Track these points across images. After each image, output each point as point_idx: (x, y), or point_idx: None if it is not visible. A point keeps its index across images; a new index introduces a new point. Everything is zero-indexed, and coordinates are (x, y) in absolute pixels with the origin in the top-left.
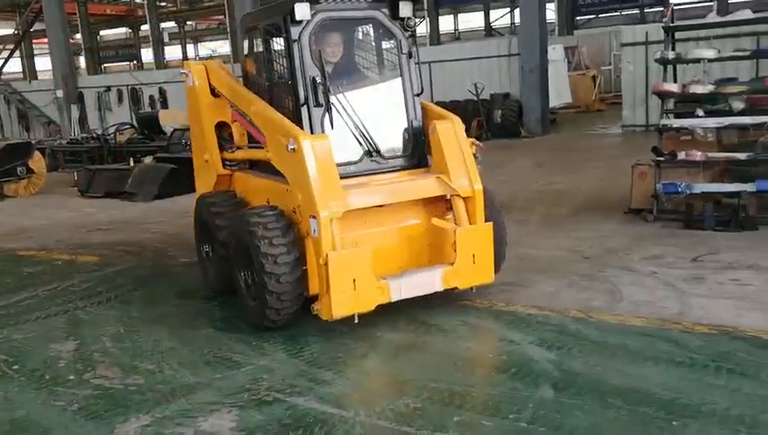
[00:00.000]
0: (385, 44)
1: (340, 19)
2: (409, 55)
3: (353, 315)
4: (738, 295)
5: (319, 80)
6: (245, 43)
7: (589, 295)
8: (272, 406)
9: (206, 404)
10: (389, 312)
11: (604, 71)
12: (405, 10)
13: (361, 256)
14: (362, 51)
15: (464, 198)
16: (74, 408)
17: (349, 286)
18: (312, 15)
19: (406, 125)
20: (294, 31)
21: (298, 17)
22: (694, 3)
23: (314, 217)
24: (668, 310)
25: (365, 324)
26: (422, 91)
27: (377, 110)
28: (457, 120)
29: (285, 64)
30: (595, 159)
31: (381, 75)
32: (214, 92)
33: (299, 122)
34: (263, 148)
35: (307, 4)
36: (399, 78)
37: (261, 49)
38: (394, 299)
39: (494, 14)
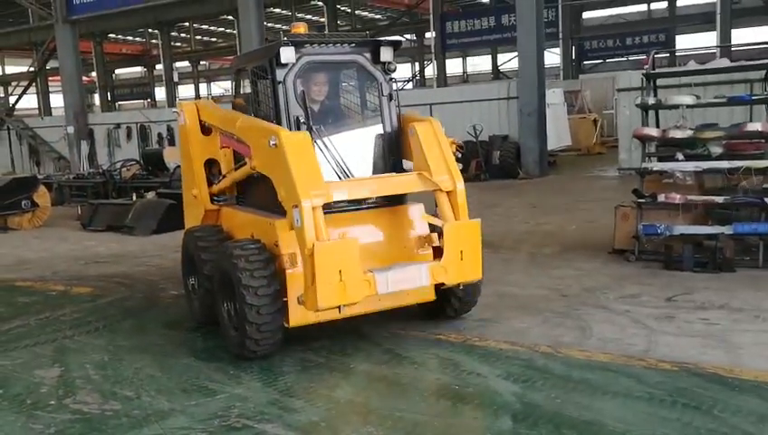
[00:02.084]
0: (367, 87)
1: (324, 62)
2: (390, 98)
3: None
4: (704, 334)
5: (302, 120)
6: (234, 85)
7: (560, 332)
8: (240, 432)
9: (178, 429)
10: (365, 343)
11: (606, 114)
12: (386, 54)
13: (348, 248)
14: (345, 92)
15: (447, 194)
16: (51, 431)
17: (335, 277)
18: (297, 59)
19: (386, 163)
20: (280, 73)
21: (283, 60)
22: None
23: (296, 207)
24: (635, 347)
25: (340, 356)
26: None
27: (358, 148)
28: (436, 122)
29: (271, 105)
30: (588, 200)
31: (363, 116)
32: (204, 131)
33: None
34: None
35: (292, 48)
36: (380, 118)
37: (249, 90)
38: (381, 292)
39: (501, 57)
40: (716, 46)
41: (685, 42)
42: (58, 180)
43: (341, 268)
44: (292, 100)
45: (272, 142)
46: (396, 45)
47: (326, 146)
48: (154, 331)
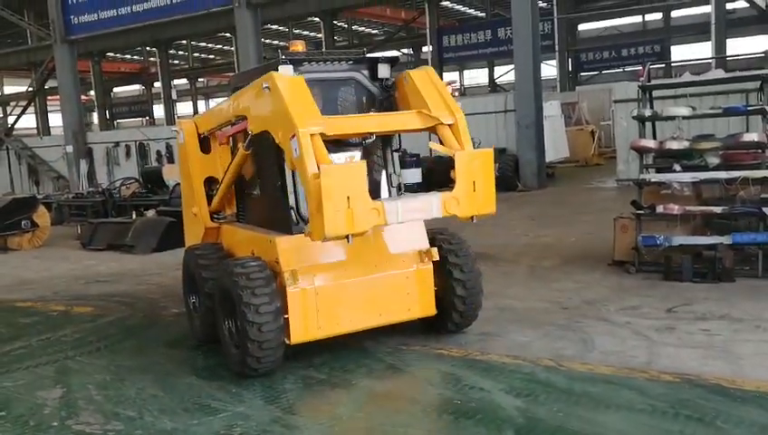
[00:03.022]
0: (365, 104)
1: (322, 80)
2: (392, 148)
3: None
4: (706, 345)
5: None
6: None
7: (562, 345)
8: None
9: None
10: (367, 359)
11: (603, 126)
12: (383, 71)
13: (356, 172)
14: (343, 109)
15: (449, 127)
16: None
17: (342, 204)
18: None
19: (385, 179)
20: None
21: None
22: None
23: (294, 137)
24: (637, 359)
25: (342, 372)
26: (400, 147)
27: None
28: (430, 68)
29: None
30: (587, 212)
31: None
32: (203, 149)
33: (282, 177)
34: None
35: (290, 66)
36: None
37: None
38: (390, 222)
39: (498, 70)
40: (711, 57)
41: (680, 52)
42: (57, 200)
43: (349, 194)
44: None
45: (265, 86)
46: (393, 62)
47: None
48: (155, 350)
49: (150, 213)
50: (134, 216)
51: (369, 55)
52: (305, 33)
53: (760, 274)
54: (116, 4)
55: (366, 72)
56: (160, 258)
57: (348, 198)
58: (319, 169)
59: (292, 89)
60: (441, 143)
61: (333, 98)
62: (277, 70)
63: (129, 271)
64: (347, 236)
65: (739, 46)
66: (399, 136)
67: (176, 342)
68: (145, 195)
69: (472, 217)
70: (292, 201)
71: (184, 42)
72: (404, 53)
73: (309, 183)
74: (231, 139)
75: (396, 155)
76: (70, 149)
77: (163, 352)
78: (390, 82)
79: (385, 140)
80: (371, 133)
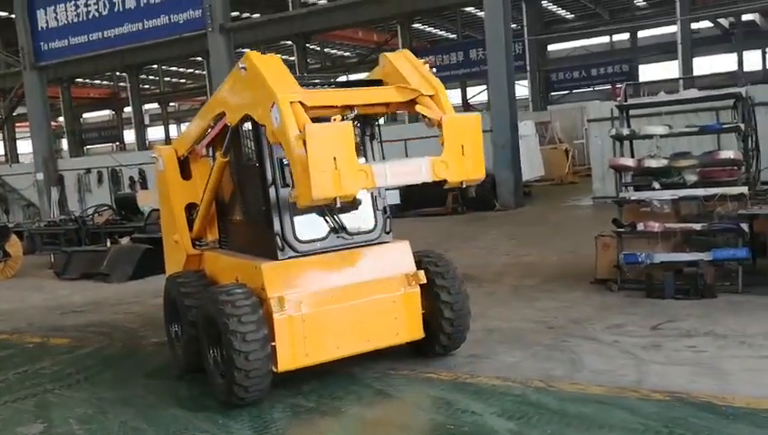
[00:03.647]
0: None
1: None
2: (372, 137)
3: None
4: (693, 362)
5: (286, 161)
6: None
7: (551, 365)
8: None
9: None
10: (355, 385)
11: (577, 144)
12: None
13: (342, 133)
14: None
15: (430, 98)
16: None
17: (329, 165)
18: None
19: (370, 202)
20: None
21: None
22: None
23: (273, 106)
24: (626, 378)
25: (331, 399)
26: None
27: None
28: (407, 51)
29: (253, 147)
30: (565, 230)
31: None
32: (184, 175)
33: (267, 201)
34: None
35: None
36: (363, 158)
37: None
38: (379, 185)
39: (470, 90)
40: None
41: (648, 71)
42: (29, 228)
43: (336, 155)
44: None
45: (241, 66)
46: (374, 85)
47: None
48: (137, 381)
49: (125, 240)
50: (108, 243)
51: (348, 80)
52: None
53: (740, 289)
54: (87, 30)
55: None
56: (137, 286)
57: (335, 158)
58: (304, 129)
59: (269, 64)
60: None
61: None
62: None
63: (106, 300)
64: (334, 200)
65: (705, 65)
66: (384, 156)
67: (157, 372)
68: (119, 222)
69: (461, 183)
70: (277, 226)
71: (155, 66)
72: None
73: (293, 149)
74: (210, 150)
75: None
76: (40, 176)
77: (145, 382)
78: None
79: None
80: (352, 107)
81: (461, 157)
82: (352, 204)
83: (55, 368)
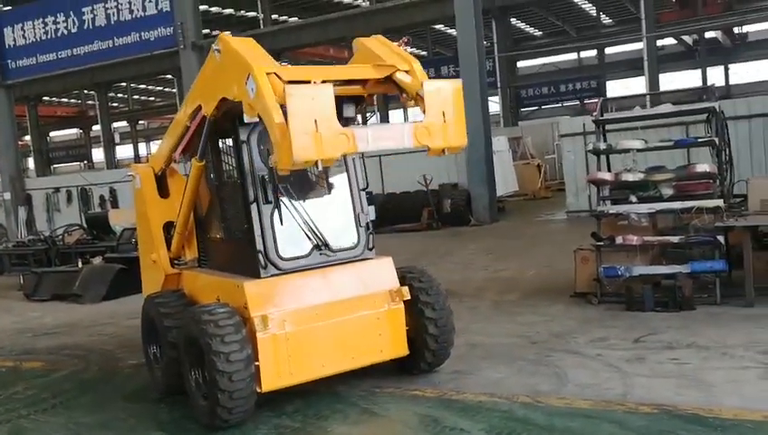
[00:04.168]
0: None
1: None
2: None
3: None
4: (677, 374)
5: (267, 178)
6: None
7: (536, 380)
8: None
9: None
10: (341, 404)
11: (548, 159)
12: (348, 111)
13: (323, 93)
14: None
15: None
16: None
17: (310, 126)
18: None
19: (353, 219)
20: (243, 132)
21: (246, 120)
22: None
23: (249, 77)
24: (612, 391)
25: (316, 419)
26: (367, 186)
27: (324, 205)
28: (380, 36)
29: (234, 164)
30: (541, 244)
31: (328, 172)
32: (161, 193)
33: (249, 221)
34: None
35: None
36: (345, 174)
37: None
38: (361, 149)
39: None
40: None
41: (615, 87)
42: None
43: (316, 117)
44: (256, 159)
45: (215, 48)
46: (359, 101)
47: (292, 203)
48: (115, 404)
49: (97, 260)
50: (80, 264)
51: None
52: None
53: (718, 300)
54: (56, 48)
55: None
56: (111, 307)
57: (315, 121)
58: (284, 91)
59: (244, 42)
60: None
61: None
62: (241, 111)
63: (79, 321)
64: (315, 164)
65: (670, 79)
66: (366, 173)
67: (136, 395)
68: (90, 241)
69: (443, 150)
70: (259, 244)
71: (123, 84)
72: None
73: (272, 116)
74: (188, 157)
75: (363, 194)
76: (7, 196)
77: (123, 406)
78: (357, 123)
79: (350, 178)
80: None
81: (443, 124)
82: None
83: (29, 392)
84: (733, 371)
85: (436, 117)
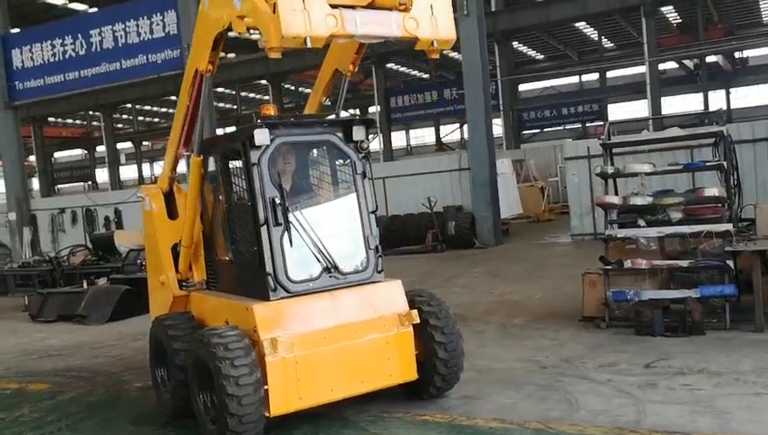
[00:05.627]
0: (340, 165)
1: (297, 143)
2: (363, 175)
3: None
4: (690, 401)
5: (278, 200)
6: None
7: (547, 406)
8: None
9: None
10: (349, 429)
11: (552, 182)
12: (358, 134)
13: None
14: (319, 171)
15: None
16: None
17: (298, 4)
18: (271, 140)
19: (362, 241)
20: (254, 155)
21: (257, 143)
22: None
23: None
24: (624, 418)
25: None
26: (377, 208)
27: (334, 227)
28: None
29: (245, 187)
30: (546, 267)
31: (337, 194)
32: (170, 214)
33: (259, 243)
34: None
35: (266, 130)
36: (354, 196)
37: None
38: (349, 31)
39: (444, 129)
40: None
41: (617, 110)
42: (1, 270)
43: None
44: (266, 181)
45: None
46: (368, 124)
47: (302, 226)
48: (122, 428)
49: (102, 281)
50: (85, 284)
51: (343, 118)
52: (251, 95)
53: (728, 325)
54: (63, 70)
55: (341, 135)
56: (117, 328)
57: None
58: None
59: None
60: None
61: (308, 161)
62: (252, 133)
63: (85, 343)
64: (304, 42)
65: (671, 102)
66: (375, 194)
67: (143, 418)
68: (96, 262)
69: (432, 43)
70: (269, 266)
71: (129, 105)
72: (351, 114)
73: (257, 6)
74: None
75: (372, 216)
76: (13, 216)
77: (130, 429)
78: (366, 145)
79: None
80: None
81: (430, 17)
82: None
83: (35, 415)
84: (747, 397)
85: (423, 10)
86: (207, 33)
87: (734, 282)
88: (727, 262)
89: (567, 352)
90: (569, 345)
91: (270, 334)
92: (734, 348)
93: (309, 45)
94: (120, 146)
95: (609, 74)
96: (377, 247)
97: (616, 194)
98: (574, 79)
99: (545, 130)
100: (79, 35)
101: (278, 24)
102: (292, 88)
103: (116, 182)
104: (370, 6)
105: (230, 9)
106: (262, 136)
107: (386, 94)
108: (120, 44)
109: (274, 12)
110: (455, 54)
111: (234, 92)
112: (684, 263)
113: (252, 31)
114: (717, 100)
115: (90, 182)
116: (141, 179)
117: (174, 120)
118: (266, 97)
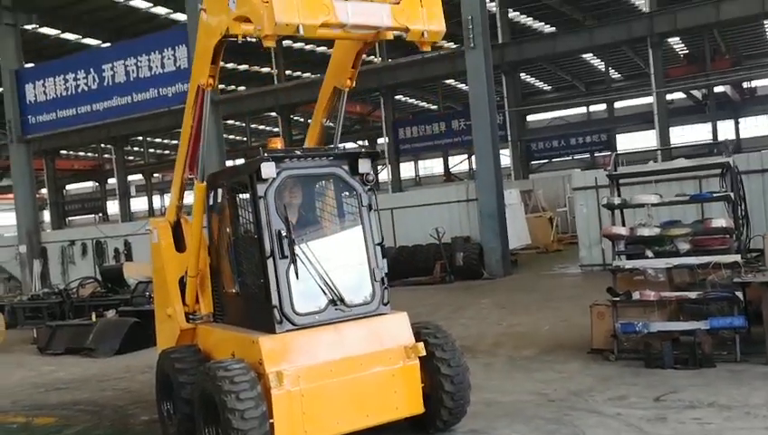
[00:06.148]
0: (346, 197)
1: (303, 176)
2: (369, 207)
3: None
4: None
5: (284, 233)
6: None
7: None
8: None
9: None
10: None
11: (560, 212)
12: (364, 166)
13: None
14: (325, 204)
15: None
16: None
17: None
18: (278, 173)
19: (368, 273)
20: (261, 188)
21: (264, 176)
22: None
23: None
24: None
25: None
26: (383, 240)
27: (339, 260)
28: None
29: (251, 219)
30: (555, 298)
31: (343, 227)
32: (178, 247)
33: (265, 275)
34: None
35: (272, 164)
36: (360, 228)
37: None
38: (341, 19)
39: (452, 159)
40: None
41: (625, 140)
42: (10, 302)
43: None
44: (273, 214)
45: (201, 8)
46: (374, 157)
47: (308, 258)
48: None
49: (111, 313)
50: (94, 317)
51: (349, 151)
52: (261, 127)
53: (738, 358)
54: (75, 103)
55: (346, 168)
56: (124, 361)
57: None
58: None
59: None
60: None
61: (315, 193)
62: (259, 167)
63: (92, 376)
64: (297, 30)
65: (680, 133)
66: (381, 226)
67: None
68: (105, 294)
69: (423, 33)
70: (275, 299)
71: (140, 138)
72: (359, 145)
73: (255, 3)
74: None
75: (378, 248)
76: (23, 249)
77: None
78: (371, 178)
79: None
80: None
81: (419, 8)
82: None
83: None
84: (758, 431)
85: (413, 1)
86: (207, 43)
87: (744, 313)
88: (736, 293)
89: (575, 385)
90: (577, 378)
91: (276, 367)
92: (744, 381)
93: (301, 32)
94: (130, 178)
95: (618, 105)
96: (383, 280)
97: (623, 225)
98: (582, 109)
99: (553, 160)
100: (91, 70)
101: (271, 11)
102: (302, 120)
103: (126, 214)
104: None
105: (226, 13)
106: (268, 169)
107: (394, 125)
108: (131, 78)
109: (268, 2)
110: (462, 86)
111: (243, 124)
112: (692, 294)
113: (249, 38)
114: (726, 129)
115: (100, 214)
116: (152, 211)
117: (180, 141)
118: (276, 129)
